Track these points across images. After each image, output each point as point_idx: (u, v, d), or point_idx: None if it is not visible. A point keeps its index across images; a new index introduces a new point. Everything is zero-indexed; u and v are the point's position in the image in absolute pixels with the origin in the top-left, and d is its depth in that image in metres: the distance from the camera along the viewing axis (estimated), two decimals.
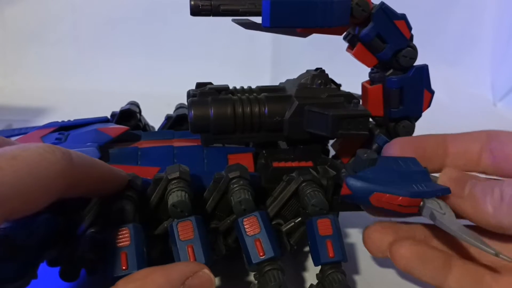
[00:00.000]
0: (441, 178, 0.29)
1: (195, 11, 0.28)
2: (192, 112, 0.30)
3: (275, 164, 0.32)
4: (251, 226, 0.27)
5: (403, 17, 0.32)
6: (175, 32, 0.76)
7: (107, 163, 0.28)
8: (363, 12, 0.31)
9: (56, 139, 0.33)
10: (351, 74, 0.38)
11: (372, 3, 0.31)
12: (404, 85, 0.33)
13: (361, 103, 0.33)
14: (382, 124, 0.35)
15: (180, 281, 0.22)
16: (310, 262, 0.34)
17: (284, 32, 0.34)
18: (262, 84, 0.34)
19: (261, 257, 0.26)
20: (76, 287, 0.30)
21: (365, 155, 0.28)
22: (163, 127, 0.40)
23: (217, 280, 0.32)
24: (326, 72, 0.33)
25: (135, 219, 0.26)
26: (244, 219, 0.27)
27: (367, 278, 0.34)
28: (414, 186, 0.27)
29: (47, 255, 0.27)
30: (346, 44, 0.35)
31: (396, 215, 0.30)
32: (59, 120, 0.36)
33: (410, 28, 0.32)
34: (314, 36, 0.32)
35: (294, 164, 0.32)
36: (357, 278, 0.34)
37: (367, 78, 0.36)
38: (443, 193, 0.27)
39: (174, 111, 0.42)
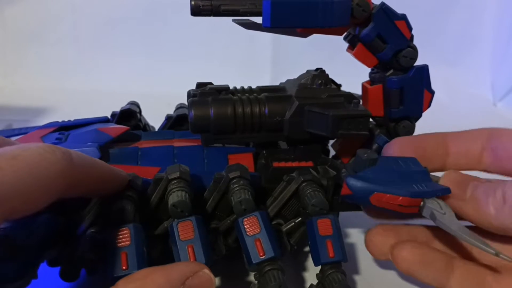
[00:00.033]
0: (443, 180, 0.29)
1: (196, 11, 0.28)
2: (193, 112, 0.30)
3: (275, 164, 0.32)
4: (251, 226, 0.27)
5: (403, 17, 0.32)
6: (175, 32, 0.76)
7: (108, 163, 0.28)
8: (363, 12, 0.31)
9: (56, 139, 0.33)
10: (351, 74, 0.38)
11: (373, 4, 0.31)
12: (405, 85, 0.33)
13: (361, 103, 0.33)
14: (382, 124, 0.35)
15: (180, 281, 0.22)
16: (310, 262, 0.34)
17: (284, 32, 0.34)
18: (262, 84, 0.34)
19: (261, 257, 0.26)
20: (76, 287, 0.30)
21: (365, 155, 0.28)
22: (163, 127, 0.40)
23: (217, 280, 0.32)
24: (326, 72, 0.33)
25: (135, 219, 0.26)
26: (244, 219, 0.27)
27: (367, 278, 0.34)
28: (414, 186, 0.27)
29: (47, 255, 0.27)
30: (346, 44, 0.35)
31: (397, 215, 0.30)
32: (59, 120, 0.36)
33: (410, 29, 0.32)
34: (314, 36, 0.32)
35: (294, 164, 0.32)
36: (357, 278, 0.34)
37: (367, 78, 0.36)
38: (443, 193, 0.27)
39: (174, 111, 0.42)
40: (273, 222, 0.31)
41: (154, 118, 0.42)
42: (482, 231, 0.28)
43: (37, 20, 0.77)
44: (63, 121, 0.36)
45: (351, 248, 0.37)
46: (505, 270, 0.29)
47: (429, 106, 0.35)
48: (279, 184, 0.31)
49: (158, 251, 0.29)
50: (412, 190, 0.27)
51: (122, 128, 0.34)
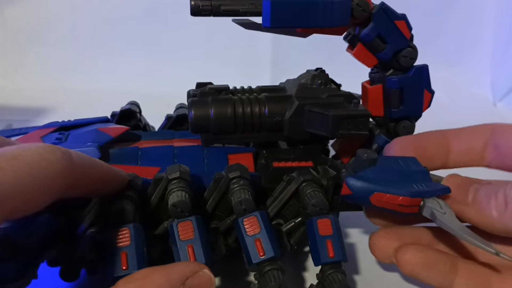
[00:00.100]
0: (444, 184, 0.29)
1: (196, 11, 0.28)
2: (193, 112, 0.30)
3: (275, 164, 0.32)
4: (251, 226, 0.27)
5: (403, 17, 0.32)
6: (175, 32, 0.76)
7: (108, 163, 0.28)
8: (363, 12, 0.31)
9: (56, 139, 0.33)
10: (351, 74, 0.38)
11: (373, 3, 0.31)
12: (404, 85, 0.33)
13: (361, 103, 0.33)
14: (382, 124, 0.35)
15: (180, 281, 0.22)
16: (310, 262, 0.34)
17: (284, 32, 0.34)
18: (262, 84, 0.34)
19: (261, 257, 0.26)
20: (76, 287, 0.30)
21: (365, 155, 0.28)
22: (163, 127, 0.40)
23: (217, 280, 0.32)
24: (326, 72, 0.33)
25: (135, 219, 0.26)
26: (244, 219, 0.27)
27: (367, 278, 0.34)
28: (415, 186, 0.27)
29: (47, 255, 0.27)
30: (346, 44, 0.35)
31: (397, 215, 0.30)
32: (59, 120, 0.36)
33: (410, 28, 0.32)
34: (314, 36, 0.32)
35: (294, 164, 0.32)
36: (357, 278, 0.34)
37: (367, 78, 0.36)
38: (443, 193, 0.27)
39: (174, 111, 0.42)
40: (273, 222, 0.31)
41: (154, 118, 0.42)
42: (483, 231, 0.28)
43: (37, 20, 0.77)
44: (63, 121, 0.36)
45: (351, 248, 0.37)
46: (508, 269, 0.29)
47: (429, 106, 0.35)
48: (279, 184, 0.31)
49: (158, 251, 0.29)
50: (412, 190, 0.27)
51: (122, 128, 0.34)
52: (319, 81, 0.32)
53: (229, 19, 0.31)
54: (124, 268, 0.24)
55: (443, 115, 0.53)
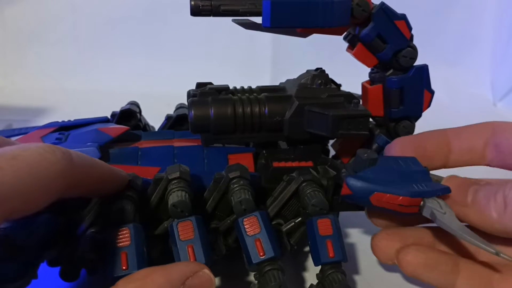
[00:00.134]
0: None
1: (195, 11, 0.28)
2: (192, 112, 0.30)
3: (275, 164, 0.32)
4: (251, 226, 0.27)
5: (403, 17, 0.32)
6: (175, 32, 0.76)
7: (108, 163, 0.28)
8: (363, 12, 0.31)
9: (56, 139, 0.33)
10: (351, 74, 0.38)
11: (373, 3, 0.31)
12: (404, 85, 0.33)
13: (361, 103, 0.33)
14: (382, 124, 0.35)
15: (180, 281, 0.22)
16: (310, 262, 0.34)
17: (284, 32, 0.34)
18: (262, 84, 0.34)
19: (261, 257, 0.26)
20: (76, 287, 0.30)
21: (365, 155, 0.28)
22: (163, 127, 0.40)
23: (217, 280, 0.32)
24: (326, 72, 0.33)
25: (135, 219, 0.26)
26: (244, 219, 0.27)
27: (367, 278, 0.34)
28: (415, 186, 0.27)
29: (47, 255, 0.27)
30: (346, 44, 0.35)
31: (397, 215, 0.30)
32: (59, 120, 0.36)
33: (410, 28, 0.32)
34: (314, 36, 0.32)
35: (294, 164, 0.32)
36: (357, 278, 0.34)
37: (367, 78, 0.36)
38: (443, 193, 0.27)
39: (174, 111, 0.42)
40: (273, 222, 0.31)
41: (154, 118, 0.42)
42: (483, 231, 0.28)
43: (37, 20, 0.77)
44: (63, 121, 0.36)
45: (351, 248, 0.37)
46: (508, 269, 0.29)
47: (429, 106, 0.35)
48: (279, 184, 0.31)
49: (158, 251, 0.29)
50: (412, 189, 0.27)
51: (122, 128, 0.34)
52: (319, 81, 0.32)
53: (229, 19, 0.31)
54: (124, 268, 0.24)
55: (443, 115, 0.53)
